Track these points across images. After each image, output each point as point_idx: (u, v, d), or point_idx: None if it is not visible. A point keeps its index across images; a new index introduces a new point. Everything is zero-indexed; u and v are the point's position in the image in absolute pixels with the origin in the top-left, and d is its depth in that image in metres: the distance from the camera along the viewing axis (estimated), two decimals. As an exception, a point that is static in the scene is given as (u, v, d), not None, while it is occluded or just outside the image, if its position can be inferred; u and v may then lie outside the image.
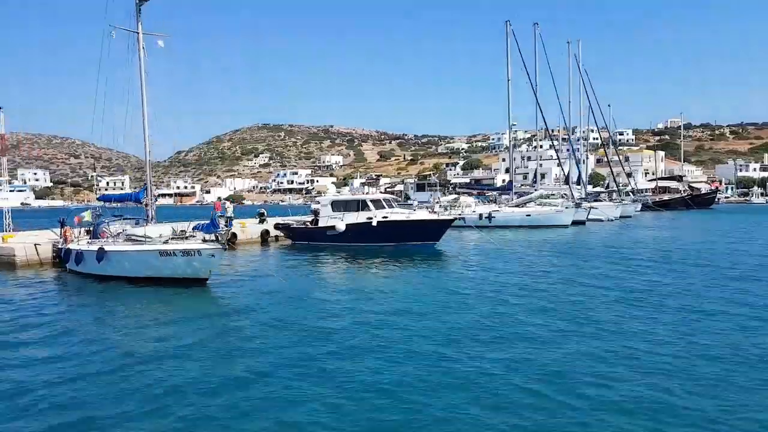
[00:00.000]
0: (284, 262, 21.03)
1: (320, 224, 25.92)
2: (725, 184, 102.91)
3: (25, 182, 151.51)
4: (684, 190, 71.61)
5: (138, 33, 18.08)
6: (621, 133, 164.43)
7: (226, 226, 14.51)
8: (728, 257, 20.41)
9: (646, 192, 70.14)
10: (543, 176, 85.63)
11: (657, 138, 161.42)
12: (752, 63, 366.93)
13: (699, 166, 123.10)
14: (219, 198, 28.85)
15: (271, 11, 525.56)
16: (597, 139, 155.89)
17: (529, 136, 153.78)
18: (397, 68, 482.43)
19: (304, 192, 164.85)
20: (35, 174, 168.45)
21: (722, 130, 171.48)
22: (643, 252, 22.62)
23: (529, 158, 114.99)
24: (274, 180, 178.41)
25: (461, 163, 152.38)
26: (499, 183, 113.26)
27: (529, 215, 38.47)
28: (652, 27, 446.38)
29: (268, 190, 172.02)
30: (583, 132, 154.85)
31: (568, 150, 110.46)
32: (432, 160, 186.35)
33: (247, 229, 26.81)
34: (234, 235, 24.95)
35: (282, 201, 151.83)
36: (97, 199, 21.17)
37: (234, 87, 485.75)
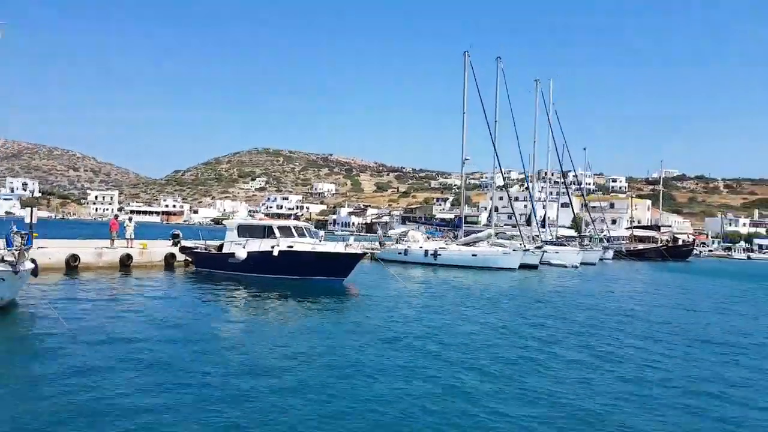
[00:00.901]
0: (152, 291, 18.53)
1: (224, 250, 24.06)
2: (712, 237, 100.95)
3: (12, 191, 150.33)
4: (663, 241, 69.68)
5: None
6: (614, 180, 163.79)
7: (23, 244, 12.45)
8: (608, 319, 17.93)
9: (621, 240, 68.20)
10: (528, 218, 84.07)
11: (650, 187, 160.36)
12: (753, 118, 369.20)
13: (689, 218, 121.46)
14: (116, 215, 26.35)
15: (283, 41, 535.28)
16: (590, 184, 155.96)
17: (522, 176, 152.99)
18: (397, 100, 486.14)
19: (293, 217, 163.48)
20: (24, 183, 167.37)
21: (716, 183, 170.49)
22: (557, 304, 20.46)
23: (516, 198, 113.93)
24: (264, 204, 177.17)
25: (451, 198, 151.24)
26: (483, 221, 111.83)
27: (476, 255, 36.51)
28: (650, 74, 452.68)
29: (257, 213, 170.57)
30: (575, 176, 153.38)
31: (551, 192, 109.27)
32: (424, 194, 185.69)
33: (148, 251, 24.65)
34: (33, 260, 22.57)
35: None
36: None
37: (237, 111, 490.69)
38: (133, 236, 24.86)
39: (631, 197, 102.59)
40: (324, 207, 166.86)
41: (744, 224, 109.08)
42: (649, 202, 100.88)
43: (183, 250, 25.01)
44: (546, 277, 33.09)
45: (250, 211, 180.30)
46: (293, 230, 23.64)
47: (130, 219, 25.43)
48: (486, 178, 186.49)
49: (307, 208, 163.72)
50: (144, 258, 24.19)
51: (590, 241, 58.91)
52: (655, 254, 62.13)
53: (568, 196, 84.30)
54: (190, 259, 25.25)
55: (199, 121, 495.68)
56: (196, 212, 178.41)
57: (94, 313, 13.81)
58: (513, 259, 35.94)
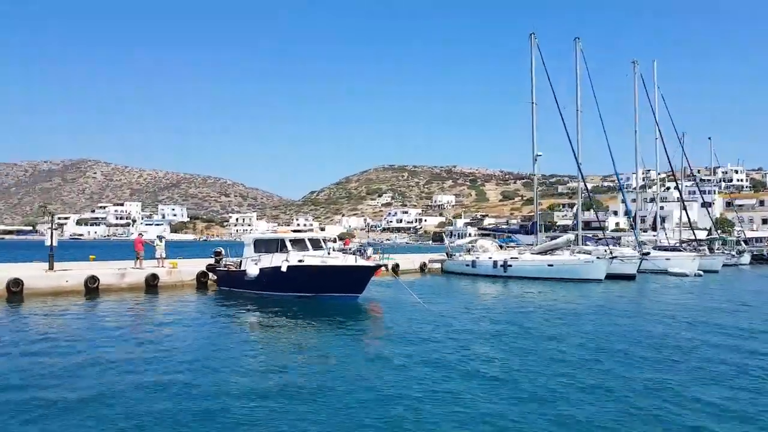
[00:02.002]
0: (151, 314, 17.88)
1: (242, 267, 23.19)
2: None
3: (164, 216, 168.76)
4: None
5: None
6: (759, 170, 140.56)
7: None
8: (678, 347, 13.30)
9: (763, 242, 57.05)
10: (663, 220, 75.06)
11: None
12: None
13: None
14: (140, 233, 26.27)
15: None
16: (741, 180, 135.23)
17: (663, 176, 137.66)
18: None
19: (412, 231, 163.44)
20: (173, 210, 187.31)
21: None
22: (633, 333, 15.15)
23: (651, 200, 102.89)
24: (385, 218, 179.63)
25: (577, 204, 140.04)
26: (612, 226, 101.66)
27: (552, 265, 32.00)
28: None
29: (377, 229, 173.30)
30: (725, 172, 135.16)
31: (692, 192, 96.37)
32: (551, 200, 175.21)
33: (178, 270, 24.28)
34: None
35: (388, 239, 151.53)
36: None
37: (366, 129, 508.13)
38: (164, 255, 25.02)
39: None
40: (443, 219, 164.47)
41: None
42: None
43: (209, 268, 24.58)
44: (640, 291, 27.68)
45: (371, 225, 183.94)
46: (308, 243, 22.00)
47: (160, 238, 25.62)
48: (621, 180, 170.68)
49: (425, 220, 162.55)
50: (173, 278, 24.06)
51: (723, 245, 49.99)
52: (810, 258, 50.79)
53: (700, 193, 73.35)
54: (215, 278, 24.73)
55: (331, 140, 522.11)
56: (323, 229, 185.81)
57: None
58: (597, 268, 30.91)
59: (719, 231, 61.62)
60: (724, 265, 46.13)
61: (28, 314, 17.06)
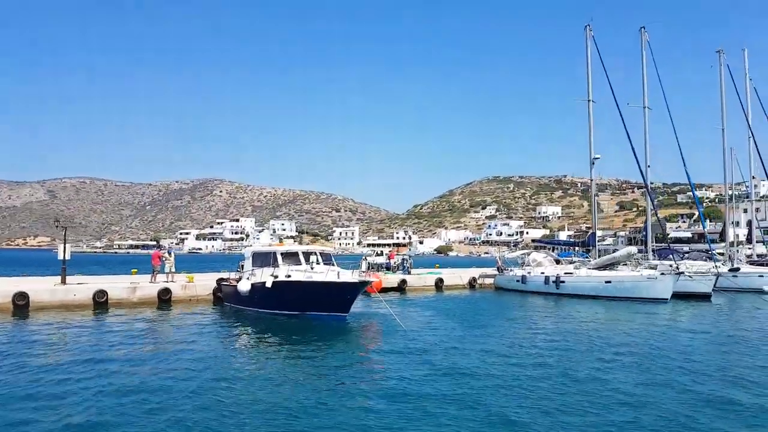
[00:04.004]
0: (144, 331, 17.38)
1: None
2: None
3: (274, 231, 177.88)
4: None
5: None
6: None
7: None
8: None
9: None
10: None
11: None
12: None
13: None
14: (159, 247, 26.59)
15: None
16: None
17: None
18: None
19: (512, 244, 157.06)
20: (282, 224, 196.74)
21: None
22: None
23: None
24: (485, 231, 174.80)
25: (696, 214, 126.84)
26: (731, 237, 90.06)
27: (610, 282, 28.23)
28: None
29: (477, 242, 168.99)
30: None
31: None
32: (669, 210, 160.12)
33: (194, 284, 24.29)
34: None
35: (486, 252, 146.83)
36: None
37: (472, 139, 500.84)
38: (173, 270, 25.26)
39: None
40: (546, 231, 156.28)
41: None
42: None
43: (219, 282, 24.39)
44: (707, 314, 23.35)
45: (470, 239, 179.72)
46: (301, 256, 20.98)
47: (169, 252, 26.04)
48: (747, 188, 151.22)
49: (527, 232, 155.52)
50: (188, 292, 24.21)
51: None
52: None
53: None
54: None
55: (437, 154, 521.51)
56: (421, 242, 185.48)
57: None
58: (661, 286, 26.78)
59: None
60: None
61: (28, 329, 17.32)
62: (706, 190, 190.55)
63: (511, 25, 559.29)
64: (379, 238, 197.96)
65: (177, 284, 24.41)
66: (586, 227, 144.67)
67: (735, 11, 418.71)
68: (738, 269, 33.28)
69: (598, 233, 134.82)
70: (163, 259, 25.30)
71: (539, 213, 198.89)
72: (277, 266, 20.41)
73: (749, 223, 52.70)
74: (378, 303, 22.63)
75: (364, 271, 20.19)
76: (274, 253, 21.08)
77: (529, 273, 31.82)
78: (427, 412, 9.01)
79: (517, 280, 32.26)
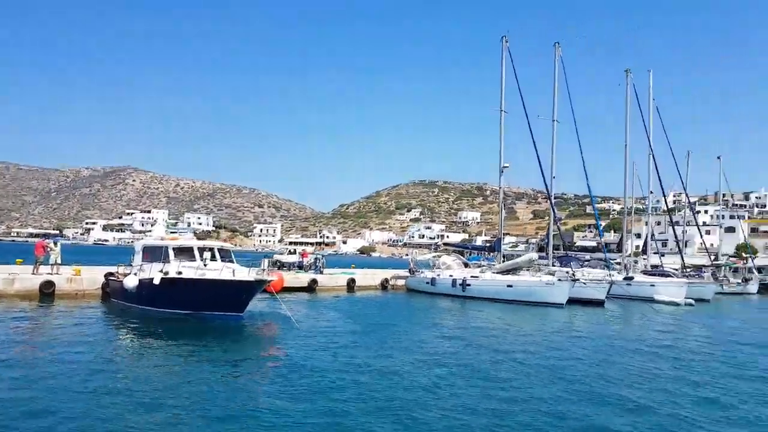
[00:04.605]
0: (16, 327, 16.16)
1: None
2: None
3: (189, 225, 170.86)
4: None
5: None
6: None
7: None
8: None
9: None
10: (686, 244, 70.71)
11: None
12: None
13: None
14: (45, 235, 24.74)
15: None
16: (765, 206, 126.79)
17: (696, 199, 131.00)
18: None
19: (432, 247, 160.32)
20: (198, 218, 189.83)
21: None
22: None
23: (676, 223, 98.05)
24: (408, 233, 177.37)
25: (603, 225, 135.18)
26: (627, 248, 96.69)
27: (511, 286, 29.23)
28: None
29: (399, 243, 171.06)
30: (758, 197, 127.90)
31: (722, 216, 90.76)
32: (578, 220, 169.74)
33: (81, 278, 22.52)
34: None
35: (407, 254, 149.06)
36: None
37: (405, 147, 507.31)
38: (59, 261, 23.32)
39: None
40: (465, 236, 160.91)
41: None
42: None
43: (107, 277, 22.80)
44: (598, 320, 24.54)
45: (392, 240, 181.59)
46: (196, 252, 19.96)
47: (55, 242, 24.17)
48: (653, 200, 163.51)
49: (447, 236, 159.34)
50: (73, 286, 22.43)
51: (730, 272, 45.97)
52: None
53: (692, 218, 68.54)
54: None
55: (361, 155, 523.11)
56: (345, 242, 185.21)
57: None
58: (558, 291, 28.05)
59: (726, 257, 57.03)
60: (730, 294, 42.20)
61: None
62: (613, 203, 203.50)
63: (439, 27, 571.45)
64: (302, 237, 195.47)
65: (62, 277, 22.57)
66: (503, 233, 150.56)
67: (645, 34, 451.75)
68: (632, 278, 35.53)
69: (512, 239, 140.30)
70: (48, 249, 23.30)
71: (460, 218, 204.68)
72: (168, 262, 19.33)
73: (647, 236, 56.49)
74: (283, 303, 22.08)
75: (263, 270, 19.37)
76: (166, 248, 19.92)
77: (438, 275, 32.36)
78: (299, 418, 8.70)
79: (427, 282, 32.71)
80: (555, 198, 36.19)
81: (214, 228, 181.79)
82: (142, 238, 25.57)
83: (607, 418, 9.15)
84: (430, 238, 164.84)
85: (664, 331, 21.28)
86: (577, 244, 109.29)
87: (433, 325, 20.35)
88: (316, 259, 35.42)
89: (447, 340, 16.72)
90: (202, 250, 20.09)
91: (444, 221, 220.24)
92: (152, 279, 18.43)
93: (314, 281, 30.94)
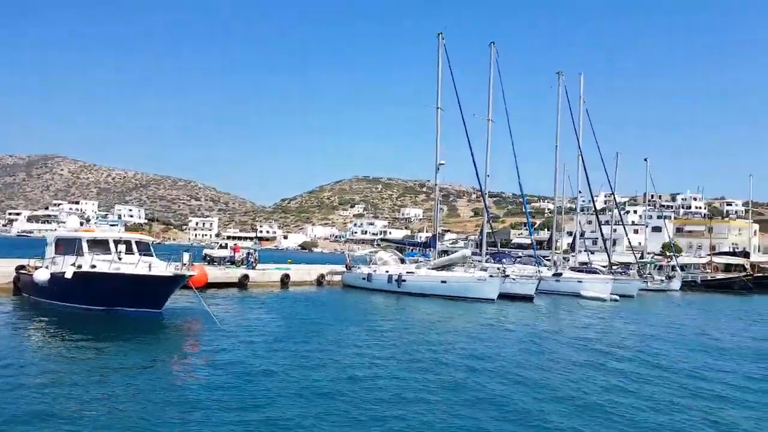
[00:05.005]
0: None
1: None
2: None
3: (120, 217, 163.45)
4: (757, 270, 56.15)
5: None
6: (729, 204, 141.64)
7: None
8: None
9: (694, 268, 55.60)
10: (615, 243, 73.70)
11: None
12: None
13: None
14: None
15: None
16: (700, 208, 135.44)
17: (626, 199, 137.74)
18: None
19: (374, 243, 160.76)
20: (130, 210, 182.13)
21: None
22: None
23: (606, 222, 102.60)
24: (350, 229, 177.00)
25: (538, 223, 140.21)
26: (562, 247, 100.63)
27: (445, 282, 29.49)
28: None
29: (341, 239, 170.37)
30: (684, 199, 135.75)
31: (649, 216, 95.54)
32: (515, 219, 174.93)
33: None
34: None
35: (350, 250, 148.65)
36: None
37: (339, 140, 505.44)
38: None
39: (750, 222, 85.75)
40: (408, 232, 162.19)
41: None
42: (756, 226, 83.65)
43: (18, 270, 21.31)
44: (524, 315, 25.02)
45: (335, 236, 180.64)
46: (111, 245, 18.88)
47: None
48: (584, 201, 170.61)
49: (390, 232, 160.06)
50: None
51: (654, 270, 48.48)
52: (738, 285, 49.13)
53: (619, 217, 72.38)
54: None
55: (305, 149, 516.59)
56: (286, 237, 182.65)
57: None
58: (489, 287, 28.55)
59: (652, 255, 60.25)
60: (655, 290, 44.30)
61: None
62: (548, 202, 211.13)
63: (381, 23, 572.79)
64: (241, 231, 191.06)
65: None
66: (442, 230, 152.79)
67: (577, 36, 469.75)
68: (560, 274, 36.72)
69: (453, 236, 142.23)
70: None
71: (403, 214, 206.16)
72: (82, 255, 18.20)
73: (575, 234, 58.62)
74: (207, 299, 21.22)
75: (183, 264, 18.51)
76: (80, 240, 18.80)
77: (374, 271, 32.21)
78: (212, 417, 8.22)
79: (363, 278, 32.49)
80: (494, 196, 36.96)
81: (146, 221, 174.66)
82: (55, 230, 24.22)
83: (523, 400, 9.74)
84: (373, 234, 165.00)
85: (586, 326, 21.99)
86: (513, 241, 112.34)
87: (365, 320, 20.21)
88: (248, 253, 34.41)
89: (377, 335, 16.65)
90: (117, 242, 18.99)
91: (387, 217, 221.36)
92: (64, 273, 17.30)
93: (246, 277, 29.98)
